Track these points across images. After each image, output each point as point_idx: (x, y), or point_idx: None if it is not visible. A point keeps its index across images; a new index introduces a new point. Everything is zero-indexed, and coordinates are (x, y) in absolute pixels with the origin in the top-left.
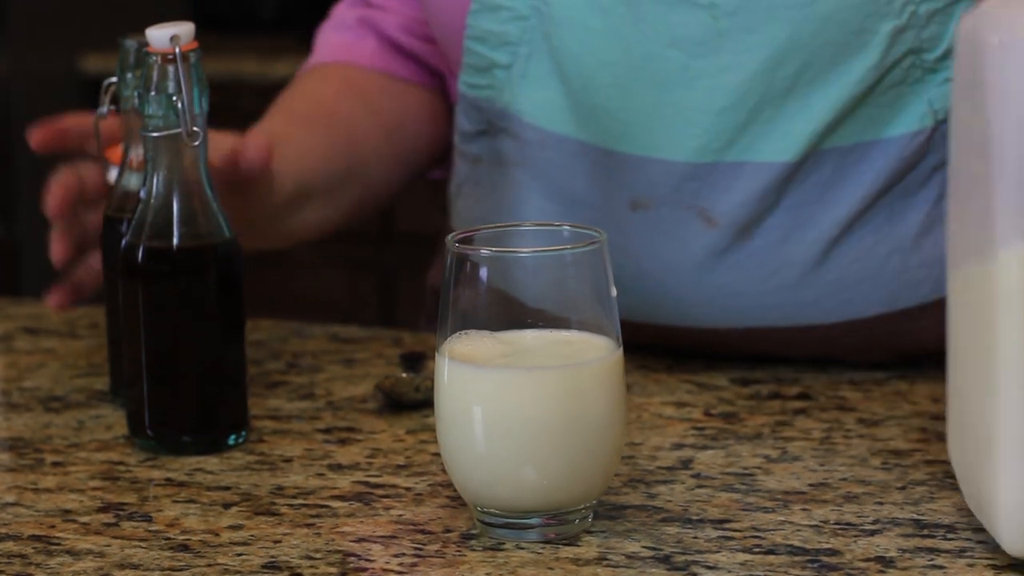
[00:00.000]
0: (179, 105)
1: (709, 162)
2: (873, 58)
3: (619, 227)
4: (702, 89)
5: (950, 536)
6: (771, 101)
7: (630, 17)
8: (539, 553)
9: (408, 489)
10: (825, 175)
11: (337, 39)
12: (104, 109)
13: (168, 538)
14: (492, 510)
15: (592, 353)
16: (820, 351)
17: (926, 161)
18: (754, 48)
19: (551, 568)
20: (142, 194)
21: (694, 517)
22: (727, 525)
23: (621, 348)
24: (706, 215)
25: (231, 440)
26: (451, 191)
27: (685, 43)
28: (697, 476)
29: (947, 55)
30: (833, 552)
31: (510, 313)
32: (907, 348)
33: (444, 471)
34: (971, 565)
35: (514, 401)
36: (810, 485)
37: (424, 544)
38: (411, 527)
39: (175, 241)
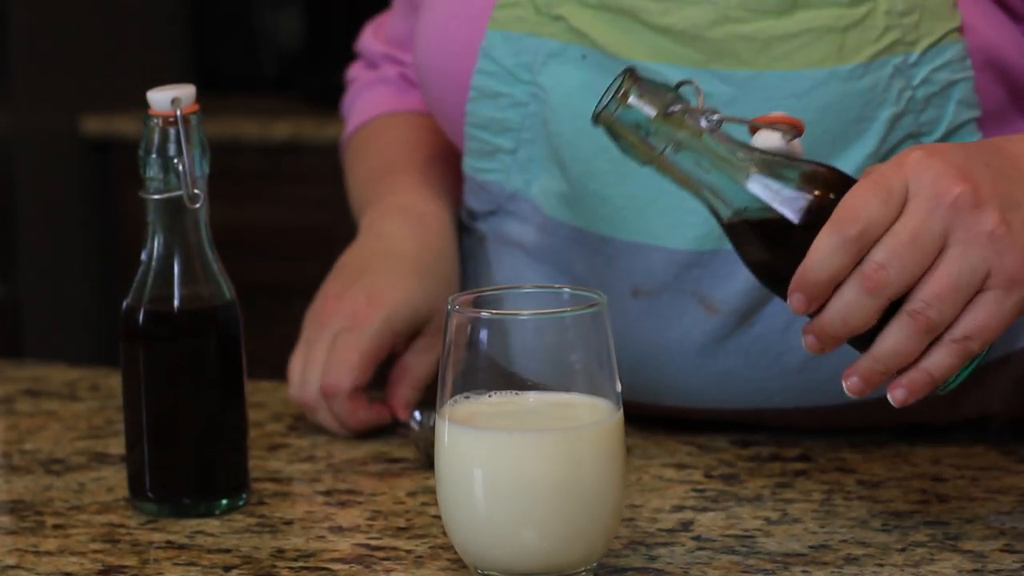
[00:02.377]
0: (180, 168)
1: (710, 250)
2: (872, 145)
3: (621, 312)
4: None
5: None
6: None
7: None
8: None
9: (409, 551)
10: None
11: (387, 92)
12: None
13: None
14: (493, 572)
15: (592, 416)
16: (825, 424)
17: None
18: None
19: None
20: (143, 256)
21: None
22: None
23: (621, 410)
24: (707, 302)
25: (234, 502)
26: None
27: None
28: (698, 538)
29: (946, 137)
30: None
31: (510, 375)
32: (912, 420)
33: (444, 533)
34: None
35: (514, 464)
36: (811, 547)
37: None
38: None
39: (176, 304)
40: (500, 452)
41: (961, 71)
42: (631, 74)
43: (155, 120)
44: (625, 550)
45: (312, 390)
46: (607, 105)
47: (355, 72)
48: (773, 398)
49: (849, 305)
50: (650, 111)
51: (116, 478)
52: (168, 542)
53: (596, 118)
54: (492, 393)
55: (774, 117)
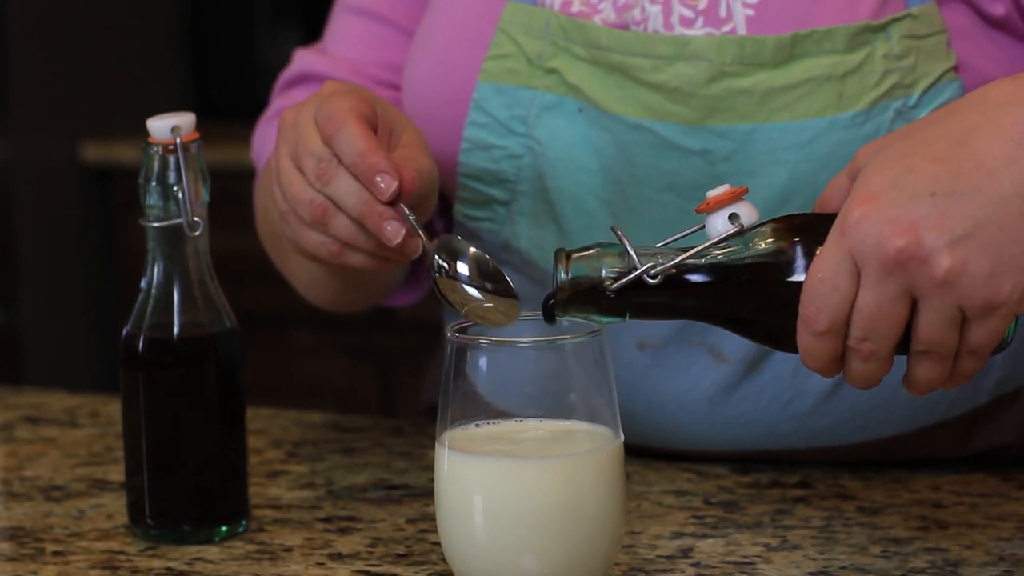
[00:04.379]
0: (180, 195)
1: None
2: None
3: (627, 364)
4: (704, 232)
5: None
6: None
7: (621, 159)
8: None
9: None
10: None
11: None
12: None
13: None
14: None
15: (592, 443)
16: (836, 460)
17: None
18: (756, 189)
19: None
20: (143, 284)
21: None
22: None
23: (621, 438)
24: (715, 351)
25: (233, 529)
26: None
27: (681, 188)
28: (697, 565)
29: None
30: None
31: (510, 402)
32: (924, 456)
33: (444, 560)
34: None
35: (514, 490)
36: (810, 573)
37: None
38: None
39: (176, 331)
40: (500, 479)
41: None
42: (561, 257)
43: (155, 148)
44: None
45: (315, 170)
46: (550, 299)
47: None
48: (785, 440)
49: (858, 371)
50: (595, 290)
51: (116, 505)
52: (168, 569)
53: (548, 310)
54: (492, 420)
55: (713, 200)
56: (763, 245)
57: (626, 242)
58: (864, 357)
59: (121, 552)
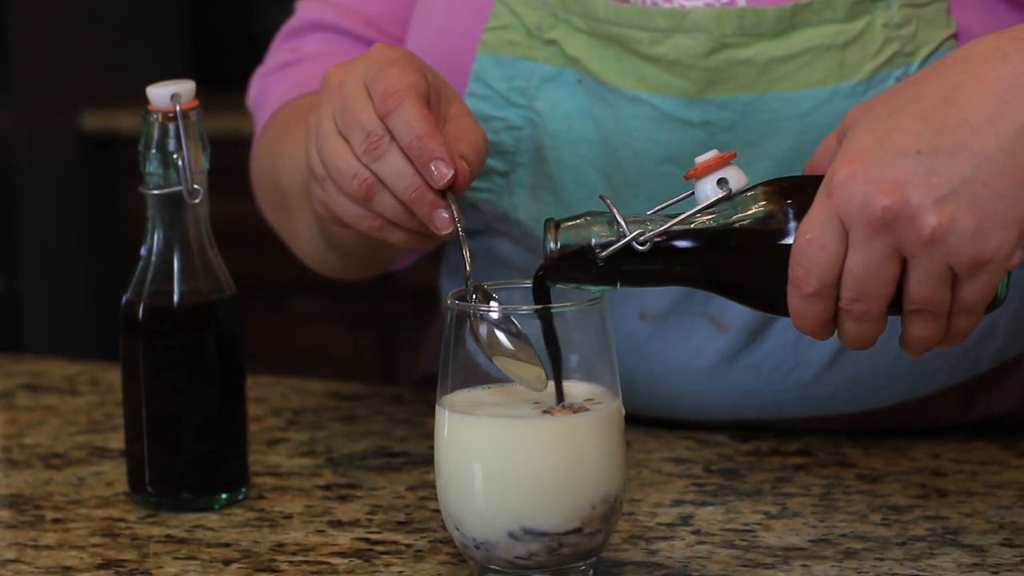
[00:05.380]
0: (179, 163)
1: None
2: None
3: (628, 335)
4: None
5: None
6: None
7: (620, 131)
8: None
9: (408, 546)
10: None
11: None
12: None
13: None
14: (493, 566)
15: (591, 403)
16: (838, 428)
17: None
18: (757, 160)
19: None
20: (143, 251)
21: (694, 574)
22: None
23: (620, 399)
24: (716, 321)
25: (233, 496)
26: (442, 271)
27: (681, 159)
28: (697, 532)
29: None
30: None
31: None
32: (926, 425)
33: (444, 528)
34: None
35: (514, 452)
36: (810, 541)
37: None
38: None
39: (175, 298)
40: (500, 440)
41: None
42: (551, 227)
43: (155, 116)
44: (624, 544)
45: (365, 144)
46: (541, 269)
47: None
48: (786, 409)
49: (852, 332)
50: (584, 259)
51: (116, 472)
52: (168, 536)
53: (540, 281)
54: (491, 385)
55: (702, 166)
56: (753, 209)
57: (615, 210)
58: (856, 318)
59: (121, 519)
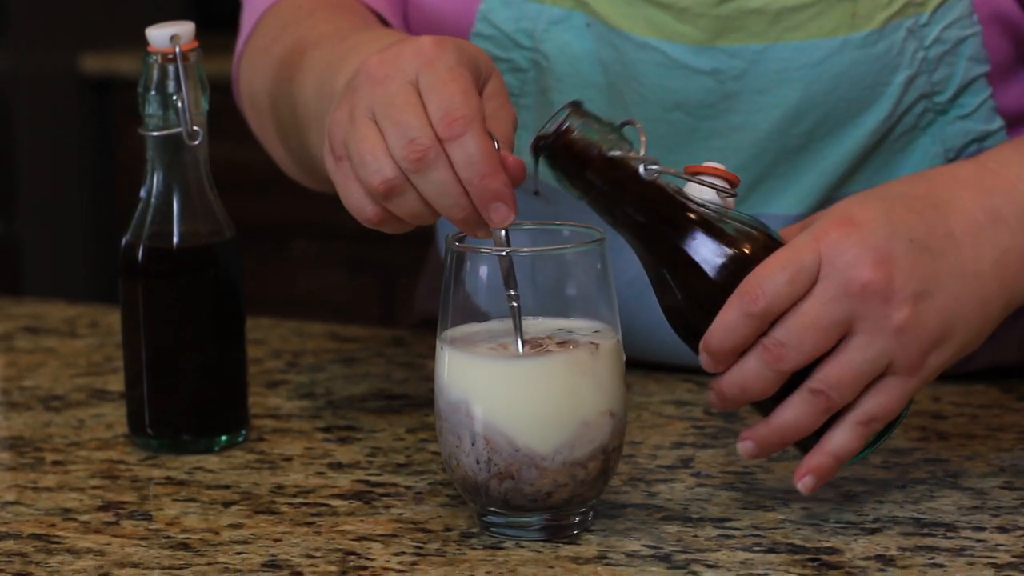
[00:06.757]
0: (179, 105)
1: None
2: (886, 109)
3: (630, 282)
4: (713, 149)
5: (950, 535)
6: (785, 158)
7: (628, 77)
8: (539, 552)
9: (408, 488)
10: None
11: None
12: None
13: (168, 537)
14: (492, 507)
15: (591, 339)
16: None
17: None
18: (766, 108)
19: (551, 567)
20: (142, 193)
21: (694, 516)
22: (727, 524)
23: (619, 335)
24: None
25: (233, 438)
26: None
27: (690, 106)
28: (697, 475)
29: (958, 95)
30: (833, 551)
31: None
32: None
33: (444, 470)
34: (971, 564)
35: (513, 386)
36: None
37: (424, 543)
38: (411, 526)
39: (175, 240)
40: (499, 374)
41: (969, 27)
42: (576, 109)
43: (154, 57)
44: (625, 486)
45: (411, 152)
46: (548, 137)
47: None
48: None
49: (749, 374)
50: (591, 150)
51: (115, 415)
52: (167, 478)
53: (535, 148)
54: (491, 321)
55: (710, 169)
56: (740, 226)
57: (643, 137)
58: (770, 360)
59: (121, 461)
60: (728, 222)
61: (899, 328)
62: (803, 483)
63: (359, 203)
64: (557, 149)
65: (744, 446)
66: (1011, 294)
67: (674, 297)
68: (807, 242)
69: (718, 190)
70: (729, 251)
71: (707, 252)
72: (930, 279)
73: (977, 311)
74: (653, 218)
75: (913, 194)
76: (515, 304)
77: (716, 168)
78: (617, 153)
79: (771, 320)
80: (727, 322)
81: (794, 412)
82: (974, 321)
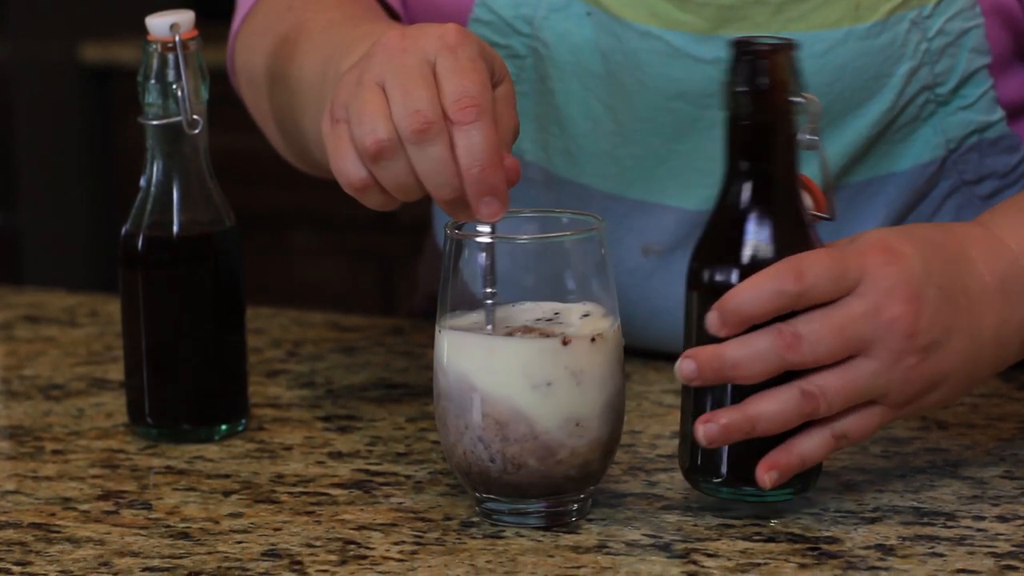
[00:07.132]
0: (179, 93)
1: None
2: (889, 100)
3: (631, 271)
4: (715, 139)
5: (950, 524)
6: None
7: (629, 65)
8: (539, 541)
9: (408, 477)
10: (838, 211)
11: None
12: None
13: (168, 526)
14: (491, 495)
15: (591, 325)
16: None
17: (938, 189)
18: None
19: (551, 555)
20: (142, 182)
21: (694, 505)
22: (727, 513)
23: (619, 322)
24: None
25: (233, 428)
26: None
27: (691, 96)
28: None
29: (960, 86)
30: (833, 540)
31: (509, 298)
32: None
33: (444, 459)
34: (971, 553)
35: (513, 370)
36: None
37: (424, 532)
38: (411, 515)
39: (175, 230)
40: (498, 358)
41: (972, 19)
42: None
43: (154, 46)
44: (625, 475)
45: (414, 121)
46: (772, 44)
47: None
48: None
49: (751, 352)
50: (788, 79)
51: (115, 404)
52: (167, 467)
53: (743, 44)
54: (491, 308)
55: (822, 196)
56: (817, 240)
57: (818, 102)
58: (781, 347)
59: (121, 451)
60: (811, 226)
61: (909, 368)
62: (769, 476)
63: (347, 165)
64: (767, 55)
65: (707, 429)
66: (1000, 362)
67: (727, 241)
68: (856, 256)
69: (811, 209)
70: (791, 245)
71: (780, 232)
72: (946, 330)
73: (969, 370)
74: (766, 171)
75: (938, 243)
76: (491, 302)
77: (826, 202)
78: (799, 99)
79: (797, 308)
80: (758, 287)
81: (779, 406)
82: (963, 380)
